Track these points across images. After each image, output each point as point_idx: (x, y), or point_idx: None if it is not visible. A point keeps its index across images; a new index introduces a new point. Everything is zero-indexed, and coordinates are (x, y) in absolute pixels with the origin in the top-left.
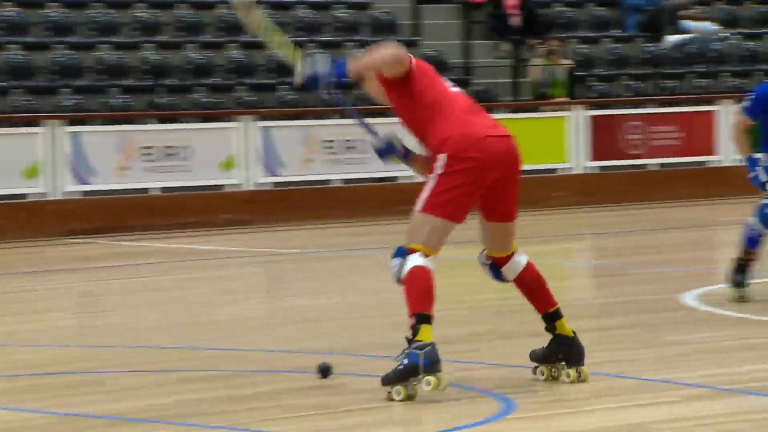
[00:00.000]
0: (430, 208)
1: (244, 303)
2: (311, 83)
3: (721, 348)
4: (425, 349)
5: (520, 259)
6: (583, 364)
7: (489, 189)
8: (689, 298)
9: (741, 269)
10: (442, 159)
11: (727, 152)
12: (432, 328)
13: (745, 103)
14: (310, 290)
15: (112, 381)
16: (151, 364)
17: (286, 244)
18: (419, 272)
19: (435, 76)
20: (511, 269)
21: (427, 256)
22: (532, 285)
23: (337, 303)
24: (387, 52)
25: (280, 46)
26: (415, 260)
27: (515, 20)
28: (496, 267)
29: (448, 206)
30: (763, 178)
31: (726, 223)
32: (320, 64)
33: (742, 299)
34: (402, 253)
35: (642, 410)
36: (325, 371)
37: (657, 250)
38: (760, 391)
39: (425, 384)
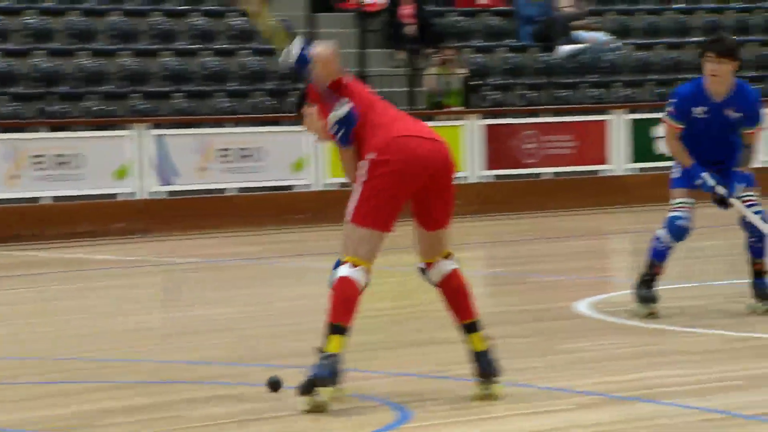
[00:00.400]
0: (356, 218)
1: (139, 313)
2: (299, 66)
3: (614, 356)
4: (327, 360)
5: (446, 266)
6: (492, 381)
7: (420, 196)
8: (582, 307)
9: (648, 284)
10: (363, 165)
11: (619, 162)
12: (344, 340)
13: (670, 109)
14: (206, 300)
15: (3, 393)
16: (45, 375)
17: (181, 253)
18: (342, 283)
19: (364, 87)
20: (436, 273)
21: (356, 266)
22: (453, 293)
23: (233, 312)
24: (329, 49)
25: (270, 30)
26: (342, 271)
27: (410, 29)
28: (425, 270)
29: (371, 215)
30: (710, 182)
31: (618, 232)
32: (303, 47)
33: (651, 315)
34: (337, 264)
35: (536, 418)
36: (274, 385)
37: (551, 258)
38: (652, 398)
39: (321, 395)
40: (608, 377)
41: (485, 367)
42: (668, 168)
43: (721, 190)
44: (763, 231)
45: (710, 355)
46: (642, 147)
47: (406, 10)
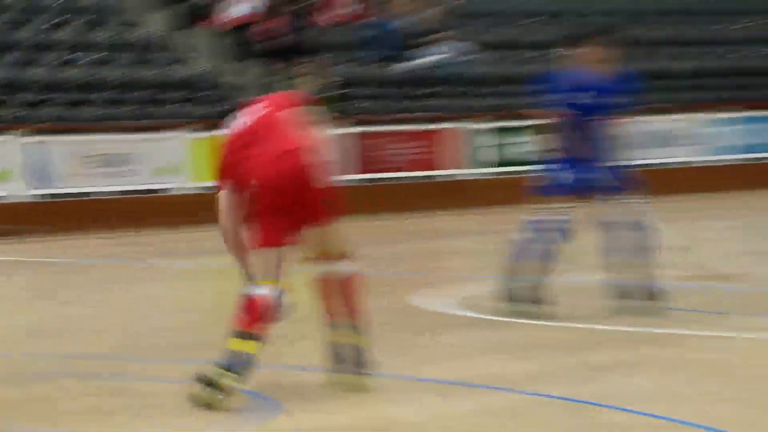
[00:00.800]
0: (253, 243)
1: (12, 311)
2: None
3: (471, 349)
4: (238, 356)
5: (342, 268)
6: (360, 373)
7: (297, 201)
8: (440, 304)
9: (535, 285)
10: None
11: (468, 166)
12: (253, 344)
13: (547, 98)
14: (80, 298)
15: None
16: None
17: (56, 254)
18: (248, 299)
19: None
20: (324, 267)
21: (263, 285)
22: (343, 296)
23: (107, 311)
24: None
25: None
26: (254, 290)
27: (272, 42)
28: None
29: (259, 236)
30: (586, 177)
31: (465, 233)
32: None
33: (542, 315)
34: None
35: (400, 407)
36: (204, 380)
37: (405, 258)
38: (512, 387)
39: (231, 379)
40: (466, 370)
41: (354, 360)
42: (515, 173)
43: (598, 183)
44: (649, 227)
45: (565, 345)
46: (487, 153)
47: (270, 23)
